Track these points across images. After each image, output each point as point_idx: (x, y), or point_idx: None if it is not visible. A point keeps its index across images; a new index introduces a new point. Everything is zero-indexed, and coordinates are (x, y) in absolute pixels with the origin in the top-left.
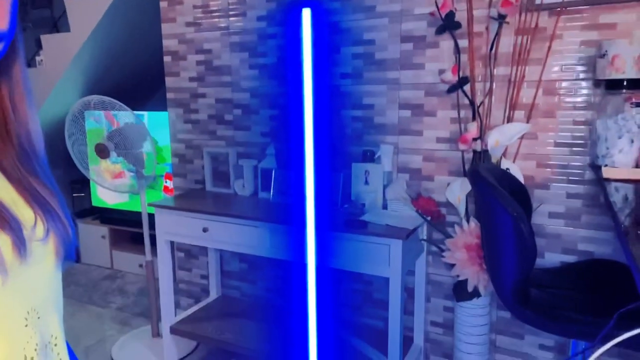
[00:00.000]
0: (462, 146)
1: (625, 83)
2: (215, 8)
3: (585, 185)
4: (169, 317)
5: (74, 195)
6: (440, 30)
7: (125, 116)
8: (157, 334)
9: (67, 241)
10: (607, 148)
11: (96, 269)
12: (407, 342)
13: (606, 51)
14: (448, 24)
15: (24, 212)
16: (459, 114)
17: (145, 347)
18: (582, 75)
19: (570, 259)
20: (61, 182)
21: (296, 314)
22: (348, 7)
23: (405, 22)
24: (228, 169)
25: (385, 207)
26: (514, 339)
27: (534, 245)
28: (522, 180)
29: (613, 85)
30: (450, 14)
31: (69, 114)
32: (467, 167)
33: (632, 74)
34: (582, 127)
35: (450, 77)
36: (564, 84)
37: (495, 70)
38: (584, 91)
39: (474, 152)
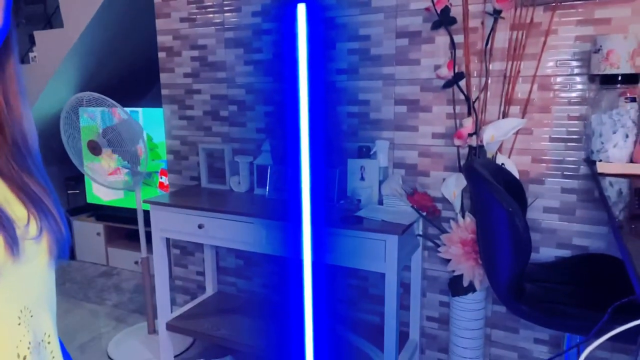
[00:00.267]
0: (457, 141)
1: (619, 78)
2: (209, 3)
3: (580, 180)
4: (164, 313)
5: (69, 192)
6: (435, 26)
7: (118, 113)
8: (153, 330)
9: (60, 239)
10: (601, 143)
11: (91, 266)
12: (403, 337)
13: (601, 46)
14: (443, 20)
15: (16, 210)
16: (454, 110)
17: (141, 344)
18: (576, 71)
19: (565, 253)
20: (56, 179)
21: (292, 310)
22: (343, 2)
23: (400, 18)
24: (224, 165)
25: (381, 202)
26: (509, 333)
27: (529, 240)
28: (517, 175)
29: (608, 80)
30: (446, 9)
31: (63, 111)
32: (462, 162)
33: (626, 69)
34: (577, 122)
35: (446, 73)
36: (558, 79)
37: (490, 66)
38: (579, 86)
39: (470, 147)
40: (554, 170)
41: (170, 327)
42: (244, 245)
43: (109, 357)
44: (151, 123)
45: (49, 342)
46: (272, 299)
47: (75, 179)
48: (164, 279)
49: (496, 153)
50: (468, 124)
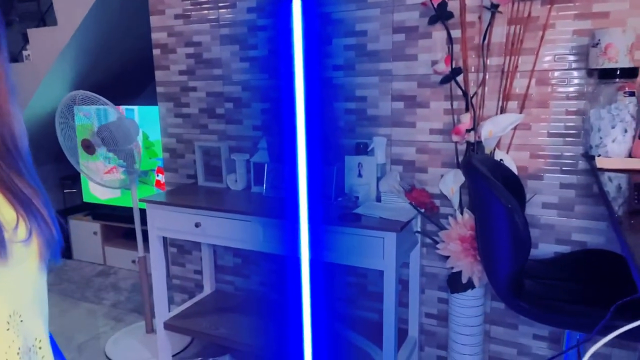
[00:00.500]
0: (455, 137)
1: (618, 72)
2: (204, 0)
3: (579, 176)
4: (162, 312)
5: (65, 191)
6: (432, 21)
7: (114, 111)
8: (151, 330)
9: (51, 242)
10: (600, 138)
11: (88, 266)
12: (401, 334)
13: (599, 40)
14: (440, 14)
15: (5, 212)
16: (452, 105)
17: (139, 343)
18: (575, 65)
19: (564, 249)
20: (51, 178)
21: (291, 308)
22: None
23: (397, 13)
24: (220, 163)
25: (379, 199)
26: (508, 329)
27: (529, 237)
28: (515, 171)
29: (606, 75)
30: (443, 4)
31: (58, 109)
32: (460, 158)
33: (625, 63)
34: (575, 117)
35: (443, 68)
36: (556, 74)
37: (488, 61)
38: (577, 81)
39: (468, 143)
40: (552, 166)
41: (168, 326)
42: (242, 244)
43: (106, 356)
44: (147, 121)
45: (40, 347)
46: (270, 297)
47: (71, 178)
48: (162, 278)
49: (494, 149)
50: (466, 120)
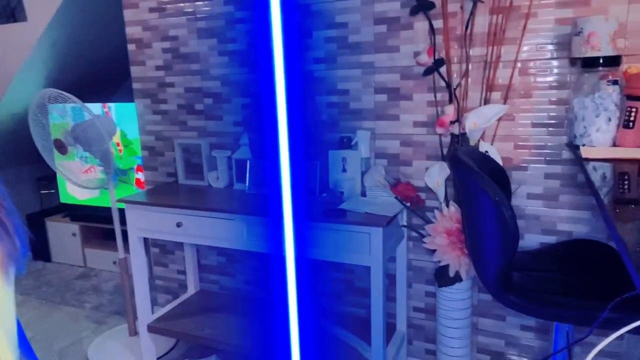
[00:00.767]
0: (439, 130)
1: (601, 61)
2: None
3: (563, 165)
4: (145, 314)
5: (42, 192)
6: (414, 11)
7: (88, 110)
8: (134, 332)
9: (13, 253)
10: (584, 127)
11: (68, 268)
12: (390, 328)
13: (582, 29)
14: (422, 4)
15: None
16: (435, 97)
17: (122, 347)
18: (557, 54)
19: (550, 239)
20: (27, 179)
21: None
22: None
23: (378, 3)
24: (201, 160)
25: (364, 194)
26: (496, 320)
27: (517, 229)
28: (500, 162)
29: (589, 64)
30: None
31: (30, 108)
32: (445, 150)
33: (608, 52)
34: (558, 107)
35: (426, 59)
36: (539, 63)
37: (470, 51)
38: (560, 70)
39: (452, 135)
40: (536, 156)
41: (151, 328)
42: (225, 243)
43: None
44: (124, 118)
45: None
46: (255, 295)
47: (48, 179)
48: (143, 279)
49: (479, 140)
50: (450, 112)
